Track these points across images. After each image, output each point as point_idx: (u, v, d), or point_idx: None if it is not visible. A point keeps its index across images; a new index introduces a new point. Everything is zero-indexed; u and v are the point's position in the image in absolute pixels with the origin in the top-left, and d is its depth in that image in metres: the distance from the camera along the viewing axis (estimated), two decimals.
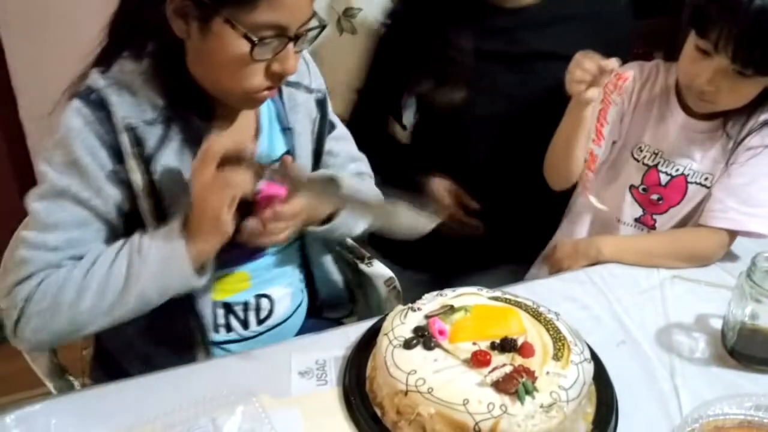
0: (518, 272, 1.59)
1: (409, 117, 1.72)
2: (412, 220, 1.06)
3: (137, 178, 1.04)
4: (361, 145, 1.55)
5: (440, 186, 1.55)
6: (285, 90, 1.20)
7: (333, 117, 1.31)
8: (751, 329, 1.07)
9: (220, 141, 1.00)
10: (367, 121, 1.68)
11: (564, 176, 1.42)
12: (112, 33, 1.07)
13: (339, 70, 1.89)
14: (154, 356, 1.15)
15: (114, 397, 1.02)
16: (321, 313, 1.39)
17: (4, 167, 2.26)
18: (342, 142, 1.33)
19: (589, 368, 0.96)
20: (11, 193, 2.25)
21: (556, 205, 1.56)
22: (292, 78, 1.15)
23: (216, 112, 1.11)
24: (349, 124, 1.67)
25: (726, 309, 1.11)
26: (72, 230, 1.03)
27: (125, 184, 1.04)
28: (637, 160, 1.39)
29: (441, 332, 0.97)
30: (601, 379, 1.01)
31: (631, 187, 1.40)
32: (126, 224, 1.08)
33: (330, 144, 1.29)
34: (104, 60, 1.07)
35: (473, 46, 1.46)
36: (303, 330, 1.36)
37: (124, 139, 1.02)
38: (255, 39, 0.97)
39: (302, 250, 1.32)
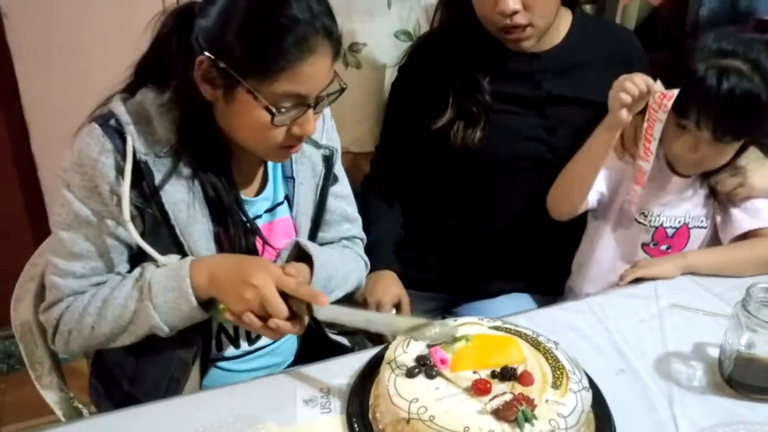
0: (528, 300, 1.63)
1: None
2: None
3: (144, 203, 1.09)
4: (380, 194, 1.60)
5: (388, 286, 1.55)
6: None
7: (339, 172, 1.35)
8: (747, 358, 1.09)
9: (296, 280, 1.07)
10: (386, 171, 1.70)
11: (575, 202, 1.45)
12: (137, 74, 1.13)
13: (344, 103, 1.91)
14: (147, 373, 1.18)
15: (123, 424, 1.04)
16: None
17: (16, 196, 2.30)
18: (339, 200, 1.36)
19: (588, 396, 0.98)
20: (22, 222, 2.30)
21: (564, 239, 1.59)
22: None
23: (232, 157, 1.16)
24: (370, 175, 1.70)
25: (723, 338, 1.13)
26: (96, 259, 1.12)
27: (136, 207, 1.10)
28: (644, 224, 1.47)
29: (442, 361, 0.99)
30: (600, 407, 1.02)
31: (643, 244, 1.49)
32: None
33: (329, 199, 1.32)
34: (129, 90, 1.13)
35: (492, 88, 1.48)
36: (304, 350, 1.39)
37: (136, 170, 1.07)
38: (274, 110, 1.03)
39: None
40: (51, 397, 1.28)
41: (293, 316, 1.06)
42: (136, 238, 1.10)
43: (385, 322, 1.14)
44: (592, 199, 1.47)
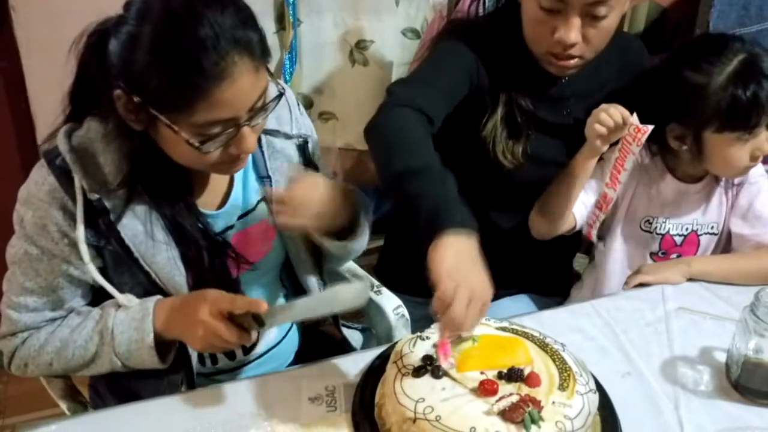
0: (533, 302, 1.61)
1: None
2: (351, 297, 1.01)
3: (102, 241, 1.06)
4: None
5: None
6: (263, 138, 1.18)
7: (318, 162, 1.30)
8: (754, 363, 1.08)
9: (245, 304, 1.02)
10: None
11: (555, 223, 1.43)
12: (72, 102, 1.08)
13: (349, 100, 1.93)
14: (138, 387, 1.16)
15: (128, 419, 1.04)
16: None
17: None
18: None
19: (594, 399, 0.98)
20: None
21: (570, 249, 1.59)
22: (271, 126, 1.17)
23: (189, 172, 1.10)
24: None
25: (730, 342, 1.13)
26: (48, 294, 1.10)
27: (93, 246, 1.06)
28: (649, 232, 1.47)
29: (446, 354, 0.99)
30: (607, 409, 1.02)
31: (651, 253, 1.48)
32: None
33: None
34: (73, 118, 1.08)
35: (532, 110, 1.43)
36: (304, 350, 1.37)
37: (89, 208, 1.04)
38: (197, 144, 0.97)
39: (286, 281, 1.33)
40: (56, 390, 1.27)
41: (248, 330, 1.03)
42: (98, 279, 1.08)
43: (323, 302, 1.05)
44: (586, 216, 1.45)
